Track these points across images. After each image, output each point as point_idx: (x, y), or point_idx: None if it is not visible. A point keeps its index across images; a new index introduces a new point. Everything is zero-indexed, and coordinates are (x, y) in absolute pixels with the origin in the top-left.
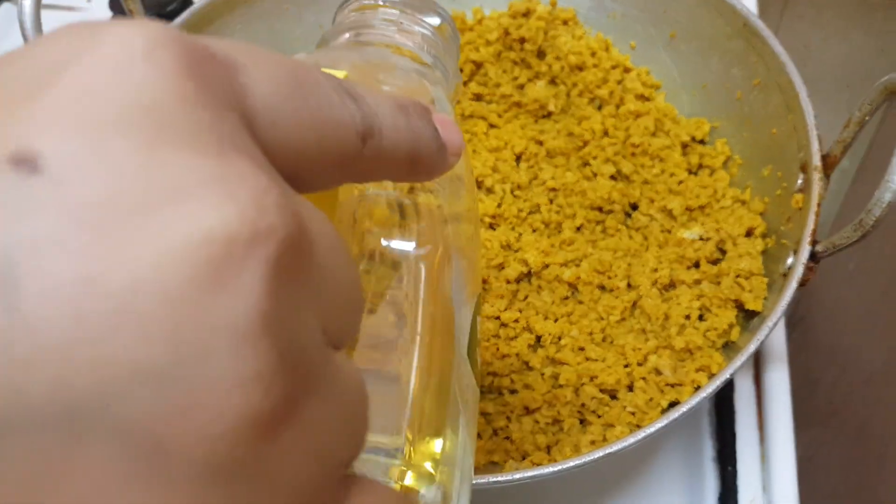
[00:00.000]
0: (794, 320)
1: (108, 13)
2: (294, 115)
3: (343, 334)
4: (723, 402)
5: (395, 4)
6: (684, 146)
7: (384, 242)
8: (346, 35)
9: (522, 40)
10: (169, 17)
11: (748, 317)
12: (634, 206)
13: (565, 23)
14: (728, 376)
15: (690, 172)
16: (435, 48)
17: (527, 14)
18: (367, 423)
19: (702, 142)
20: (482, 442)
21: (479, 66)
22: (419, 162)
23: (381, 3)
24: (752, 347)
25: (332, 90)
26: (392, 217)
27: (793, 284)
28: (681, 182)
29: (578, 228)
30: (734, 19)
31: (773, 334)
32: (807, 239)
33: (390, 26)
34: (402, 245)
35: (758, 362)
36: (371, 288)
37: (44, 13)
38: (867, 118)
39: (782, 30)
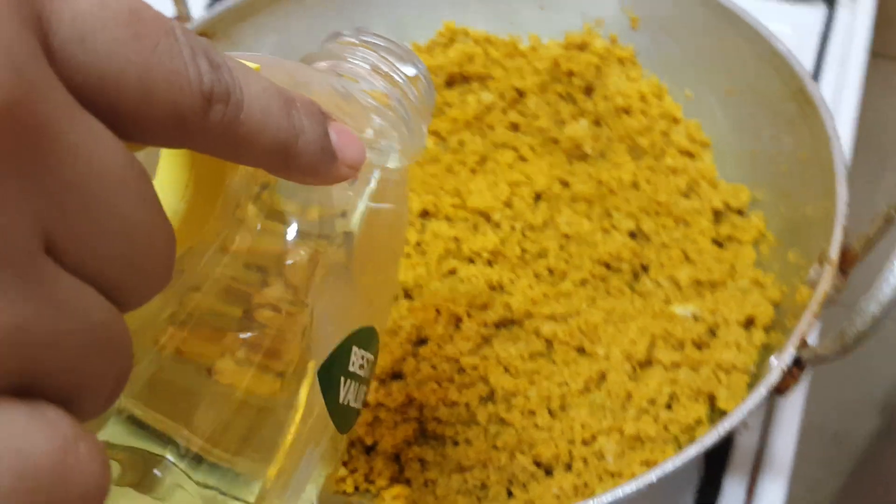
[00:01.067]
0: (889, 434)
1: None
2: (112, 43)
3: (92, 268)
4: None
5: (375, 47)
6: (717, 213)
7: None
8: (322, 63)
9: (571, 73)
10: None
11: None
12: (646, 269)
13: (622, 62)
14: (654, 479)
15: (716, 243)
16: (404, 97)
17: (582, 47)
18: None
19: (739, 212)
20: (408, 490)
21: (521, 94)
22: (295, 157)
23: (361, 41)
24: (691, 451)
25: (184, 45)
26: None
27: (761, 389)
28: (700, 252)
29: (582, 282)
30: (791, 81)
31: (779, 441)
32: (794, 340)
33: (364, 64)
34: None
35: (756, 470)
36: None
37: None
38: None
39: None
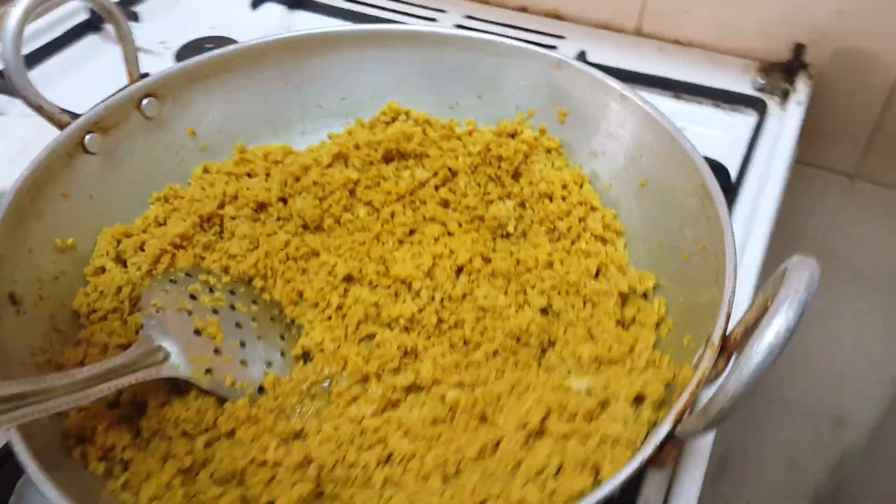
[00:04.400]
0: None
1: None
2: None
3: None
4: None
5: None
6: (623, 297)
7: None
8: None
9: (501, 158)
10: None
11: None
12: (553, 344)
13: (548, 151)
14: None
15: (620, 324)
16: None
17: (513, 135)
18: None
19: (644, 296)
20: None
21: (454, 173)
22: None
23: None
24: None
25: None
26: None
27: (634, 462)
28: (604, 330)
29: (494, 354)
30: (694, 177)
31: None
32: (671, 416)
33: None
34: None
35: None
36: None
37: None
38: (770, 301)
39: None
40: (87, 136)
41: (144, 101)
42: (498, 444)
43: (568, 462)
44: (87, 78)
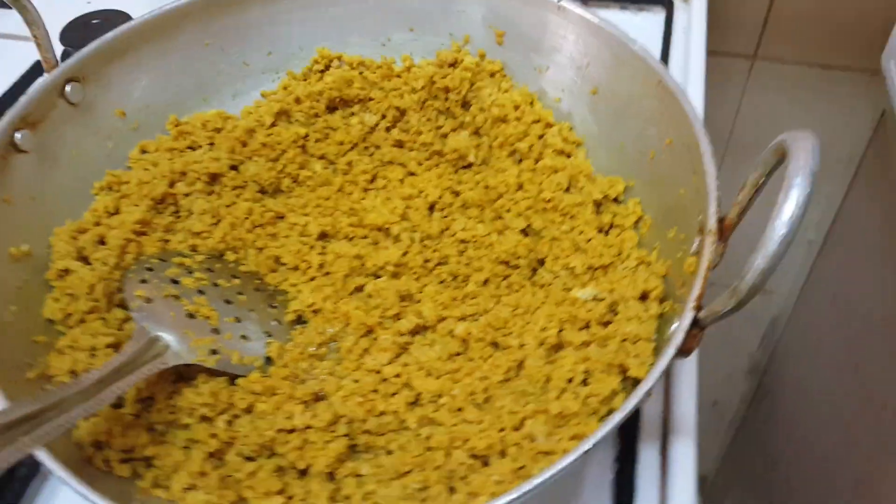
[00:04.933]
0: (758, 396)
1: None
2: None
3: None
4: (623, 475)
5: None
6: (598, 204)
7: None
8: None
9: (447, 90)
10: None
11: (637, 384)
12: (542, 263)
13: (492, 75)
14: (589, 447)
15: (601, 231)
16: None
17: (454, 64)
18: None
19: (616, 200)
20: None
21: (402, 113)
22: None
23: None
24: (618, 416)
25: None
26: None
27: (670, 351)
28: (588, 240)
29: (485, 283)
30: (649, 77)
31: (682, 406)
32: (690, 304)
33: None
34: None
35: (665, 433)
36: None
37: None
38: (762, 180)
39: (746, 97)
40: (17, 134)
41: (67, 88)
42: (520, 364)
43: (594, 367)
44: None
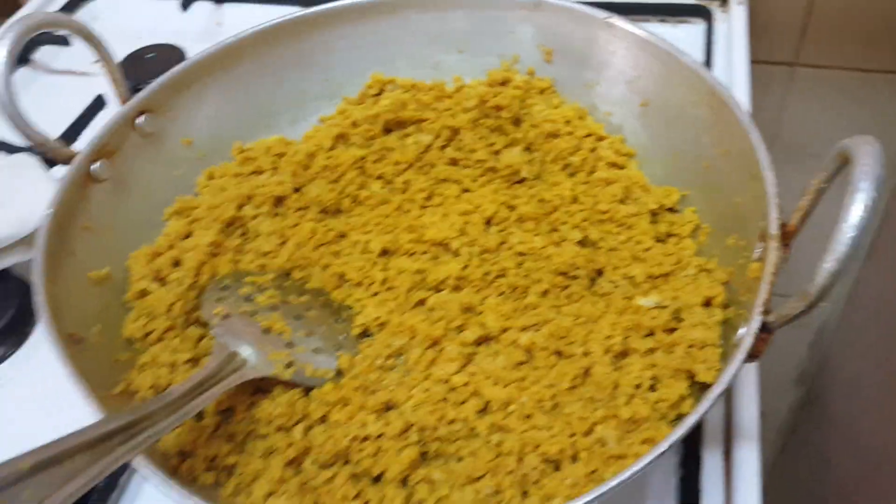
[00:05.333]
0: (810, 398)
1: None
2: None
3: None
4: (689, 480)
5: None
6: (654, 214)
7: None
8: None
9: (499, 108)
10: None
11: (704, 389)
12: (600, 273)
13: (542, 92)
14: (665, 448)
15: (658, 240)
16: None
17: (504, 83)
18: None
19: (672, 210)
20: None
21: (455, 132)
22: None
23: None
24: (692, 419)
25: None
26: None
27: (740, 355)
28: (647, 249)
29: (544, 293)
30: (700, 87)
31: (744, 409)
32: (758, 308)
33: None
34: None
35: (729, 438)
36: None
37: (58, 79)
38: (824, 185)
39: (787, 104)
40: (95, 165)
41: (139, 119)
42: (587, 372)
43: (661, 373)
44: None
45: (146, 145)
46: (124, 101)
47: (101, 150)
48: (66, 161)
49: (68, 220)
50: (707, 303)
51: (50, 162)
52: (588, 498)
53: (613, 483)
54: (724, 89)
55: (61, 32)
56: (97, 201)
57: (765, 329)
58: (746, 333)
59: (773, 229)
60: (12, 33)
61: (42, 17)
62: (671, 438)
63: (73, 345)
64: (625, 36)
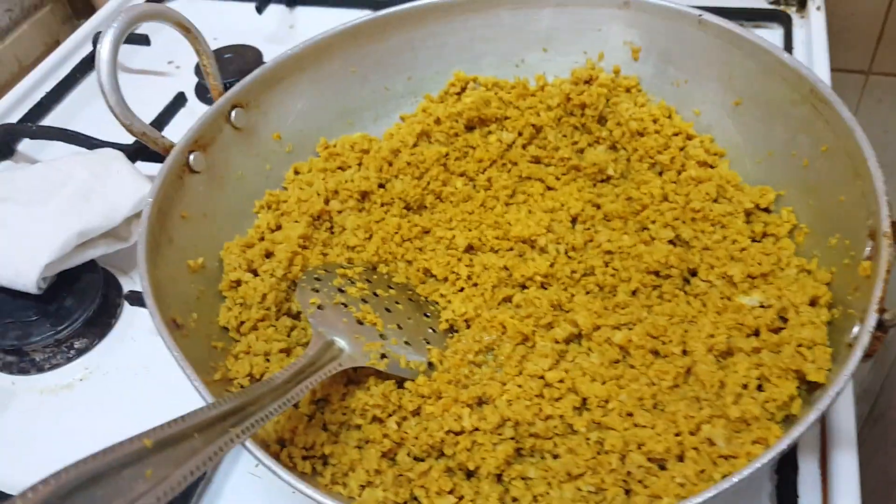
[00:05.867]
0: (872, 417)
1: (194, 78)
2: None
3: None
4: (785, 486)
5: None
6: (748, 214)
7: None
8: None
9: (584, 106)
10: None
11: (811, 389)
12: (693, 272)
13: (628, 90)
14: (785, 447)
15: (753, 240)
16: None
17: (589, 81)
18: None
19: (766, 210)
20: None
21: (538, 129)
22: None
23: None
24: (811, 417)
25: None
26: None
27: (858, 353)
28: (743, 249)
29: (633, 292)
30: (800, 85)
31: (841, 415)
32: (874, 307)
33: None
34: None
35: (824, 445)
36: None
37: (136, 77)
38: None
39: (860, 112)
40: (191, 156)
41: (233, 113)
42: (688, 371)
43: (769, 373)
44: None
45: (238, 139)
46: (219, 95)
47: (197, 142)
48: (165, 151)
49: (168, 207)
50: (812, 302)
51: (139, 154)
52: (706, 496)
53: (735, 479)
54: (825, 87)
55: (141, 31)
56: (193, 191)
57: (879, 327)
58: (862, 331)
59: (885, 227)
60: (116, 25)
61: (144, 8)
62: (792, 436)
63: (175, 330)
64: (719, 33)
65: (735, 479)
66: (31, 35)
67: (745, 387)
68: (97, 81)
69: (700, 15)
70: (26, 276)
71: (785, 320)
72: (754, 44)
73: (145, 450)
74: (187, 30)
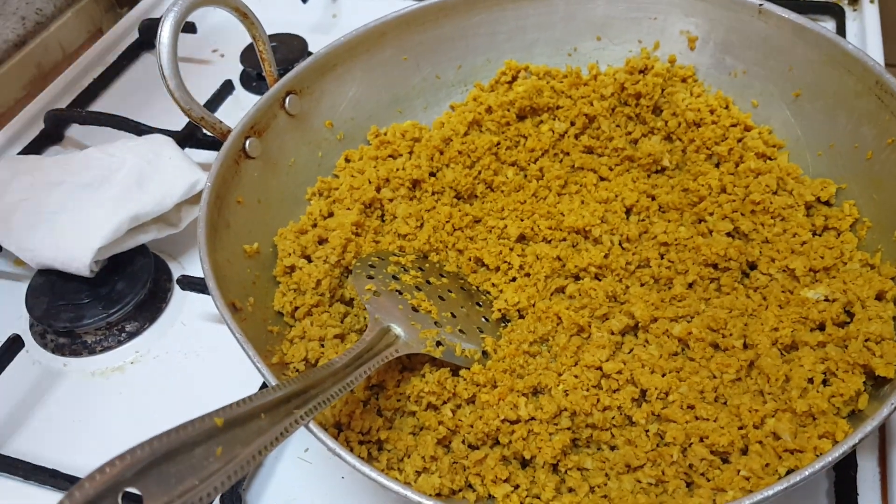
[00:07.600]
0: None
1: (238, 66)
2: None
3: None
4: (844, 483)
5: None
6: (808, 207)
7: None
8: None
9: (638, 96)
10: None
11: (877, 385)
12: (752, 266)
13: (684, 80)
14: (856, 441)
15: (814, 234)
16: None
17: (644, 71)
18: None
19: (827, 203)
20: (577, 498)
21: (591, 119)
22: None
23: None
24: (885, 411)
25: None
26: None
27: None
28: (804, 243)
29: (690, 285)
30: (865, 77)
31: None
32: None
33: None
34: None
35: (883, 442)
36: None
37: (182, 65)
38: None
39: None
40: (247, 141)
41: (287, 99)
42: (751, 364)
43: (835, 367)
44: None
45: (292, 126)
46: (274, 82)
47: (253, 128)
48: (223, 136)
49: (224, 192)
50: (879, 297)
51: (187, 140)
52: (775, 489)
53: (806, 473)
54: (892, 79)
55: (190, 19)
56: (248, 177)
57: None
58: None
59: None
60: (176, 8)
61: None
62: (865, 430)
63: (235, 312)
64: (780, 24)
65: (807, 473)
66: (74, 23)
67: (810, 381)
68: (157, 66)
69: (761, 4)
70: (79, 259)
71: (850, 314)
72: (818, 34)
73: (216, 428)
74: (245, 15)
